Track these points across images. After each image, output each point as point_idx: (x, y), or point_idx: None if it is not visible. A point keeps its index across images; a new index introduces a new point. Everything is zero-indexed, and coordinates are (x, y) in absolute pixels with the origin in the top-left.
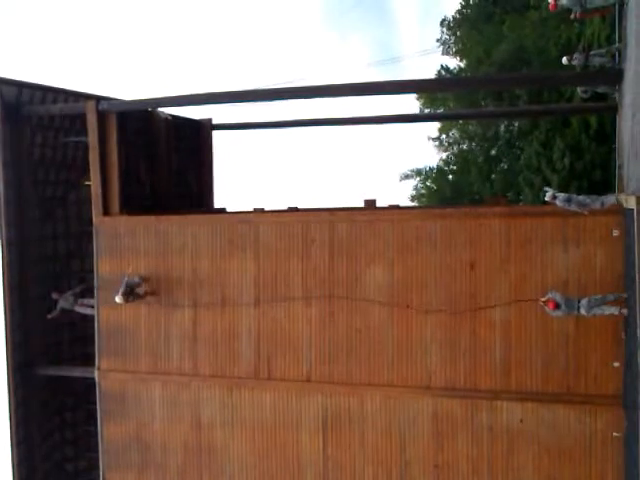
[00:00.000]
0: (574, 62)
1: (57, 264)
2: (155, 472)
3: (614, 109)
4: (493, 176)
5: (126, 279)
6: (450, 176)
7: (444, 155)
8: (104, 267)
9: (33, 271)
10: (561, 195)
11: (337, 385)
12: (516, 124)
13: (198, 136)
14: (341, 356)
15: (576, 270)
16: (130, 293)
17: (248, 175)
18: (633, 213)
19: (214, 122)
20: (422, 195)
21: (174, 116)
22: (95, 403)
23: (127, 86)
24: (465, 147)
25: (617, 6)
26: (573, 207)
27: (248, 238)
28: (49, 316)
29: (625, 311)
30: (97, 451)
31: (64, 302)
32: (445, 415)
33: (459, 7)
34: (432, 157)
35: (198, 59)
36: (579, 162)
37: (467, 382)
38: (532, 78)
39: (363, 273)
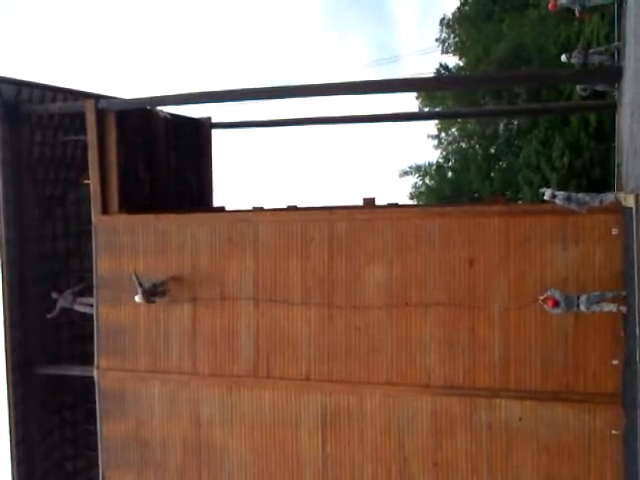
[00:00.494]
0: (573, 60)
1: (56, 263)
2: (154, 470)
3: (613, 107)
4: (492, 174)
5: (136, 280)
6: (449, 174)
7: (443, 153)
8: (103, 266)
9: (32, 270)
10: (560, 194)
11: (336, 383)
12: (515, 122)
13: (197, 135)
14: (340, 354)
15: (575, 268)
16: (152, 294)
17: (247, 174)
18: (632, 211)
19: (213, 121)
20: (421, 193)
21: (173, 115)
22: (94, 402)
23: (126, 85)
24: (464, 145)
25: (616, 4)
26: (573, 205)
27: (247, 237)
28: (49, 316)
29: (623, 309)
30: (96, 450)
31: (63, 301)
32: (444, 413)
33: (458, 5)
34: (431, 155)
35: (197, 58)
36: (578, 160)
37: (466, 380)
38: (531, 76)
39: (362, 271)
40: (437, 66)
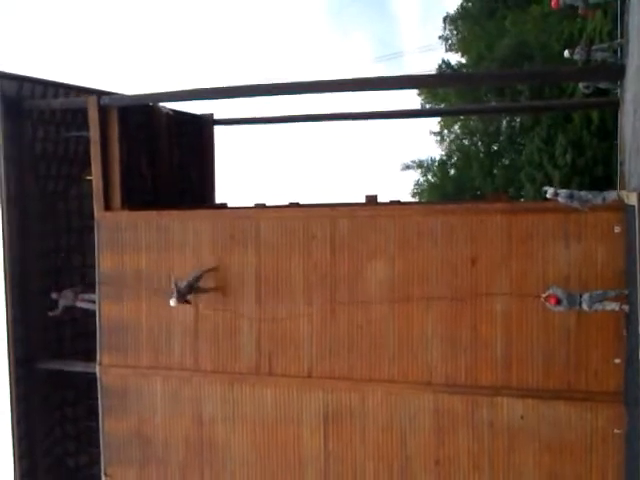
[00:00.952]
0: (576, 56)
1: (58, 259)
2: (156, 467)
3: (616, 105)
4: (495, 172)
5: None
6: (451, 171)
7: (445, 150)
8: (105, 262)
9: (34, 266)
10: (563, 191)
11: (338, 381)
12: (518, 120)
13: (199, 131)
14: (342, 352)
15: (577, 266)
16: (187, 294)
17: (250, 170)
18: (634, 210)
19: (216, 117)
20: (423, 191)
21: (175, 111)
22: (96, 398)
23: (128, 81)
24: (467, 142)
25: (619, 1)
26: (575, 204)
27: (249, 233)
28: (50, 314)
29: (626, 307)
30: (98, 446)
31: (64, 300)
32: (446, 411)
33: (461, 1)
34: (434, 152)
35: (200, 54)
36: (581, 158)
37: (468, 378)
38: (534, 74)
39: (364, 269)
40: (439, 63)
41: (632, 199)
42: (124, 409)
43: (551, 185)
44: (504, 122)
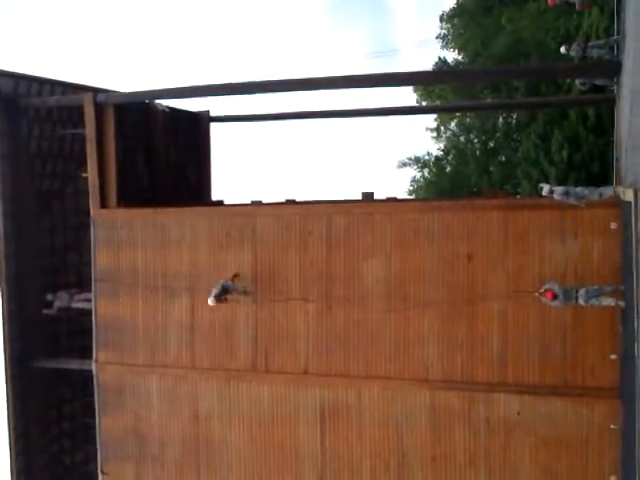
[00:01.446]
0: (572, 53)
1: (54, 257)
2: (153, 464)
3: (612, 101)
4: (491, 169)
5: (223, 283)
6: (448, 168)
7: (442, 146)
8: (101, 259)
9: (30, 263)
10: (559, 188)
11: (335, 377)
12: (514, 116)
13: (196, 128)
14: (338, 349)
15: (574, 262)
16: (223, 294)
17: (246, 168)
18: (631, 206)
19: (212, 114)
20: (419, 188)
21: (172, 108)
22: (93, 395)
23: (125, 78)
24: (463, 139)
25: None
26: (571, 200)
27: (246, 231)
28: (45, 312)
29: (622, 303)
30: (95, 443)
31: (59, 301)
32: (442, 407)
33: None
34: (430, 148)
35: (196, 51)
36: (577, 154)
37: (464, 374)
38: (530, 70)
39: (361, 266)
40: (436, 60)
41: (628, 195)
42: (120, 406)
43: (547, 182)
44: (500, 119)
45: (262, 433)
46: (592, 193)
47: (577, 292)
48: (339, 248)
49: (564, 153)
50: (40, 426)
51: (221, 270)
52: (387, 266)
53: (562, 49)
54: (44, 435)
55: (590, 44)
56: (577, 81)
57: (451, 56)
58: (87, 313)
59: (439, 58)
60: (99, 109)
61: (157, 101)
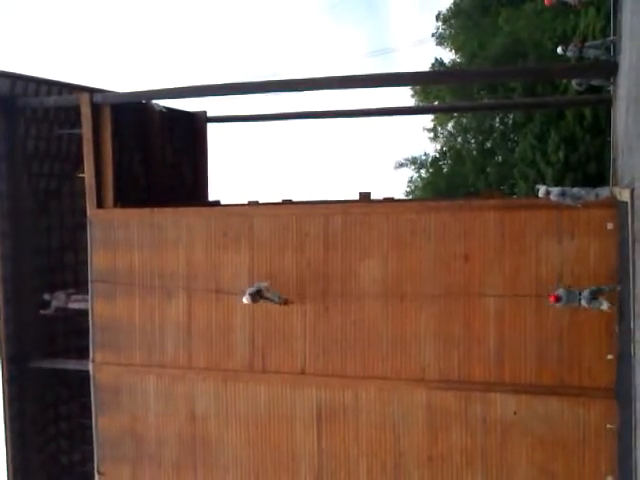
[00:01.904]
0: (569, 53)
1: (51, 256)
2: (149, 464)
3: (609, 102)
4: (488, 169)
5: (260, 286)
6: (445, 169)
7: (438, 147)
8: (98, 260)
9: (27, 263)
10: (555, 189)
11: (331, 378)
12: (511, 117)
13: (192, 128)
14: (335, 349)
15: (570, 262)
16: (257, 295)
17: (243, 168)
18: (627, 206)
19: (209, 114)
20: (416, 188)
21: (169, 108)
22: (89, 396)
23: (121, 78)
24: (460, 140)
25: None
26: (568, 201)
27: (242, 231)
28: (42, 312)
29: (611, 307)
30: (91, 443)
31: (57, 302)
32: (439, 407)
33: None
34: (427, 149)
35: (195, 51)
36: (574, 155)
37: (461, 374)
38: (527, 71)
39: (357, 266)
40: (432, 60)
41: (625, 196)
42: (117, 407)
43: (544, 182)
44: (497, 119)
45: (259, 433)
46: (589, 194)
47: (580, 294)
48: (336, 248)
49: (561, 153)
50: (37, 426)
51: (218, 270)
52: (384, 266)
53: (559, 50)
54: (41, 435)
55: (587, 44)
56: (573, 81)
57: (447, 56)
58: (84, 313)
59: (436, 59)
60: (96, 109)
61: (154, 101)
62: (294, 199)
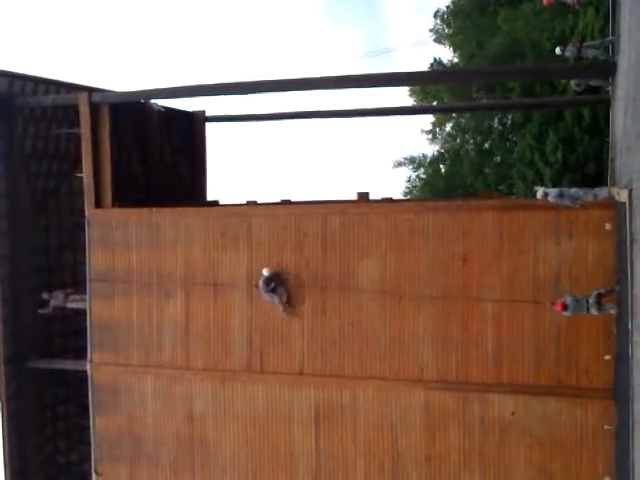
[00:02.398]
0: (567, 53)
1: (49, 256)
2: (147, 465)
3: (607, 102)
4: (486, 169)
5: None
6: (443, 169)
7: (437, 148)
8: (96, 260)
9: (25, 263)
10: (553, 191)
11: (329, 378)
12: (509, 117)
13: (191, 128)
14: (333, 349)
15: (568, 263)
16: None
17: (241, 168)
18: (625, 207)
19: (207, 114)
20: (414, 188)
21: (167, 108)
22: (87, 396)
23: (120, 77)
24: (458, 140)
25: None
26: (566, 202)
27: (241, 231)
28: (41, 311)
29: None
30: (89, 444)
31: (55, 301)
32: (437, 408)
33: None
34: (426, 150)
35: (192, 50)
36: (572, 155)
37: (459, 375)
38: (525, 71)
39: (356, 266)
40: (431, 60)
41: (623, 196)
42: (115, 407)
43: (542, 183)
44: (495, 120)
45: (257, 433)
46: (587, 194)
47: (587, 302)
48: (334, 248)
49: (559, 154)
50: (34, 426)
51: (216, 270)
52: (382, 267)
53: (557, 50)
54: (38, 435)
55: (585, 45)
56: (572, 82)
57: (445, 54)
58: (82, 313)
59: (434, 59)
60: (94, 109)
61: (152, 101)
62: (292, 199)
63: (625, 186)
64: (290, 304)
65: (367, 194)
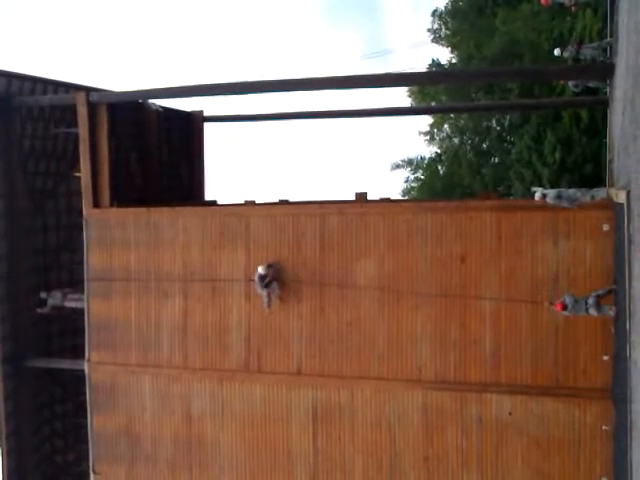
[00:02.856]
0: (566, 54)
1: (47, 256)
2: (145, 464)
3: (605, 103)
4: (484, 170)
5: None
6: (441, 170)
7: (434, 149)
8: (94, 259)
9: (23, 263)
10: (551, 192)
11: (327, 378)
12: (507, 118)
13: (189, 128)
14: (331, 349)
15: (566, 264)
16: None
17: (239, 168)
18: (623, 208)
19: (205, 114)
20: (412, 188)
21: (165, 108)
22: (85, 395)
23: (118, 77)
24: (456, 141)
25: (609, 0)
26: (564, 203)
27: (239, 231)
28: (39, 310)
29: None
30: (87, 443)
31: (53, 300)
32: (435, 408)
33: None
34: (423, 151)
35: (191, 51)
36: (570, 156)
37: (457, 375)
38: (524, 72)
39: (354, 266)
40: (429, 61)
41: (621, 197)
42: (113, 406)
43: (540, 183)
44: (493, 120)
45: (255, 433)
46: (584, 195)
47: (587, 303)
48: (332, 249)
49: (557, 155)
50: (32, 426)
51: (214, 270)
52: (380, 267)
53: (556, 52)
54: (36, 435)
55: (584, 46)
56: (570, 83)
57: (444, 55)
58: (80, 312)
59: (433, 60)
60: (92, 108)
61: (150, 101)
62: (290, 199)
63: (623, 187)
64: (283, 299)
65: (365, 194)
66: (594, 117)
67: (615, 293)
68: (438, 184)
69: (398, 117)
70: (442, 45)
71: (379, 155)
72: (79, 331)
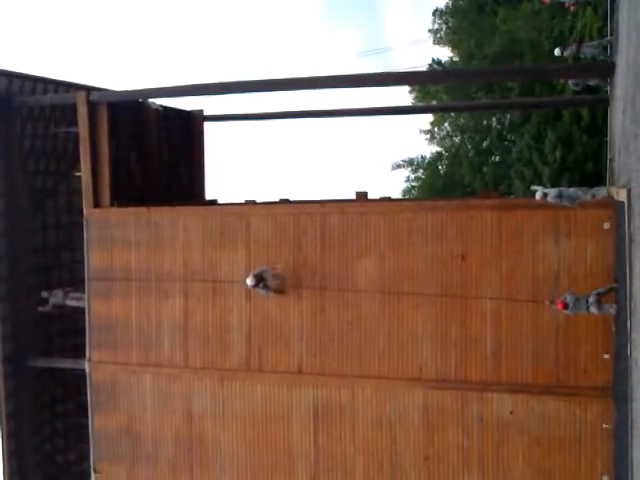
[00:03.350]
0: (566, 53)
1: (47, 255)
2: (146, 464)
3: (606, 102)
4: (485, 169)
5: (265, 269)
6: (441, 169)
7: (436, 148)
8: (94, 258)
9: (23, 262)
10: (552, 191)
11: (328, 377)
12: (508, 117)
13: (189, 127)
14: (332, 348)
15: (567, 262)
16: (261, 280)
17: (240, 167)
18: (624, 206)
19: (205, 113)
20: (413, 187)
21: (165, 107)
22: (86, 395)
23: (118, 77)
24: (457, 140)
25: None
26: (565, 202)
27: (239, 230)
28: (41, 309)
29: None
30: (88, 443)
31: (54, 299)
32: (436, 406)
33: None
34: (424, 150)
35: (191, 50)
36: (570, 155)
37: (458, 374)
38: (524, 71)
39: (354, 265)
40: (430, 60)
41: (621, 195)
42: (114, 406)
43: (540, 182)
44: (494, 119)
45: (255, 432)
46: (585, 194)
47: (587, 302)
48: (333, 248)
49: (557, 153)
50: (33, 426)
51: (215, 269)
52: (381, 266)
53: (556, 51)
54: (37, 435)
55: (584, 45)
56: (570, 82)
57: (445, 54)
58: (81, 311)
59: (433, 59)
60: (92, 108)
61: (151, 100)
62: (291, 198)
63: (624, 185)
64: (282, 291)
65: (366, 193)
66: (595, 116)
67: (616, 291)
68: (438, 183)
69: (398, 116)
70: (443, 45)
71: (380, 154)
72: (80, 331)
